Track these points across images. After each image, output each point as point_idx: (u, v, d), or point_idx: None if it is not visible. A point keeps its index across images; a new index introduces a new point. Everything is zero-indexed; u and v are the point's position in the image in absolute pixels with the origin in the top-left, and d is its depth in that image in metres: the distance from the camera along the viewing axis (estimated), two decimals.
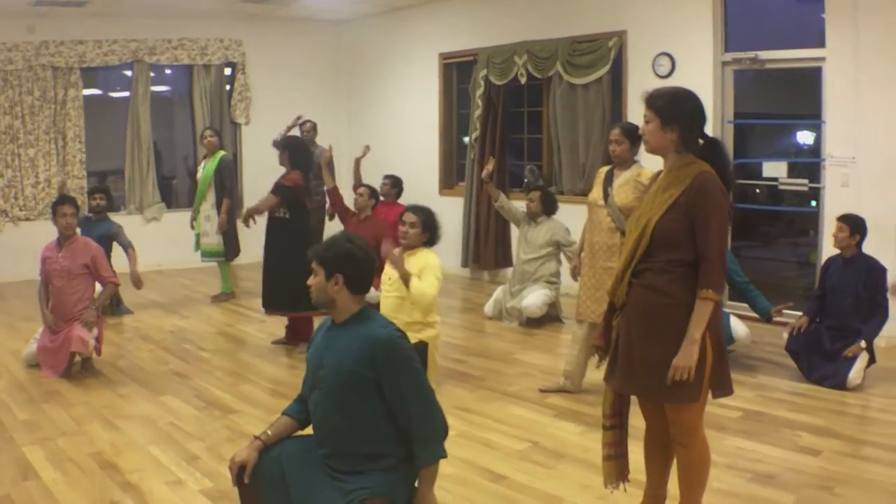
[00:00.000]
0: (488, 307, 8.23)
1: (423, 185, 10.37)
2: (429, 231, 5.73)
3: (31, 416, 5.40)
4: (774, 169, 7.94)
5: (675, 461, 3.49)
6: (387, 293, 5.70)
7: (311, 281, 3.23)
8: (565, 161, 9.44)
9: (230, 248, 9.10)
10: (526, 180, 10.02)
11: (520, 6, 9.85)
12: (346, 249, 3.19)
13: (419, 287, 5.42)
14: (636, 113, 8.30)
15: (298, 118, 9.55)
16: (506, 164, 10.08)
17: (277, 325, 7.55)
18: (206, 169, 8.95)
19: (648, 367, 3.28)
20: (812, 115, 7.67)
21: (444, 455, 3.13)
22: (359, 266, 3.21)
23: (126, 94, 11.43)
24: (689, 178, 3.23)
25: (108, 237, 7.96)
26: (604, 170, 5.67)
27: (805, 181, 7.68)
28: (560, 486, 4.25)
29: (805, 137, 8.26)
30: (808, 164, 7.82)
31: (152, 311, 8.75)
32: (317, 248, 3.25)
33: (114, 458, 4.68)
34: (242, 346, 7.37)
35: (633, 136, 5.43)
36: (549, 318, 7.92)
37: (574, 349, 5.77)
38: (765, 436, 4.94)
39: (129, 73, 11.37)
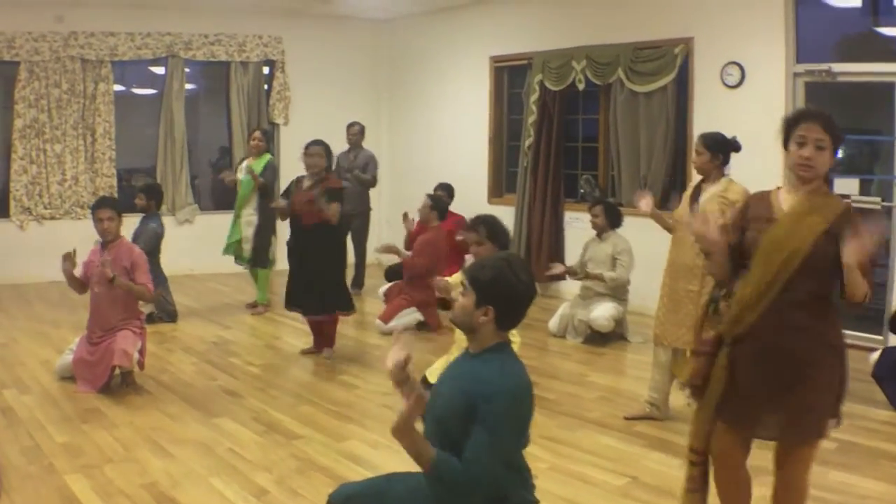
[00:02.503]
0: (553, 323, 7.76)
1: (470, 193, 9.94)
2: (498, 240, 5.22)
3: (71, 439, 4.92)
4: (846, 186, 7.51)
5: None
6: None
7: (459, 300, 2.82)
8: (625, 172, 8.98)
9: (264, 256, 8.62)
10: (582, 191, 9.58)
11: (578, 10, 9.39)
12: (507, 281, 2.76)
13: None
14: (702, 123, 8.03)
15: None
16: (561, 173, 9.61)
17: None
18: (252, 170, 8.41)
19: (803, 411, 3.03)
20: (887, 132, 7.25)
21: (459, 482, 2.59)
22: (516, 302, 2.80)
23: (151, 91, 11.04)
24: (839, 207, 3.03)
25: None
26: (692, 184, 5.31)
27: (878, 199, 7.24)
28: None
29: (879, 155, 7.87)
30: (882, 182, 7.42)
31: (190, 319, 8.29)
32: (474, 269, 2.84)
33: (171, 490, 4.22)
34: (293, 361, 6.90)
35: (715, 146, 5.09)
36: (615, 335, 7.51)
37: (656, 374, 5.40)
38: (866, 469, 4.60)
39: (155, 69, 10.98)
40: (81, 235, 8.12)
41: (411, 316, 7.84)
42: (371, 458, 4.72)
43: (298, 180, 6.75)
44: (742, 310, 3.05)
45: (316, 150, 6.64)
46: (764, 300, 3.00)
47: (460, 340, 5.51)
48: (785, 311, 2.98)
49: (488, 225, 5.25)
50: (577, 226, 9.19)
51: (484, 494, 2.61)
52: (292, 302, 6.81)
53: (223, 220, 9.08)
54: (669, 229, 5.42)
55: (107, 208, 5.94)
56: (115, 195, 9.94)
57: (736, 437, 3.21)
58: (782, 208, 3.09)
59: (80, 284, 6.07)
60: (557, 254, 9.49)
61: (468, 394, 2.67)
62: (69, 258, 5.80)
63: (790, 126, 3.07)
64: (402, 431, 2.56)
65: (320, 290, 6.62)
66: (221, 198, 11.06)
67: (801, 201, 3.05)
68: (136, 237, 7.52)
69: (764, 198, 3.18)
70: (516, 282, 2.77)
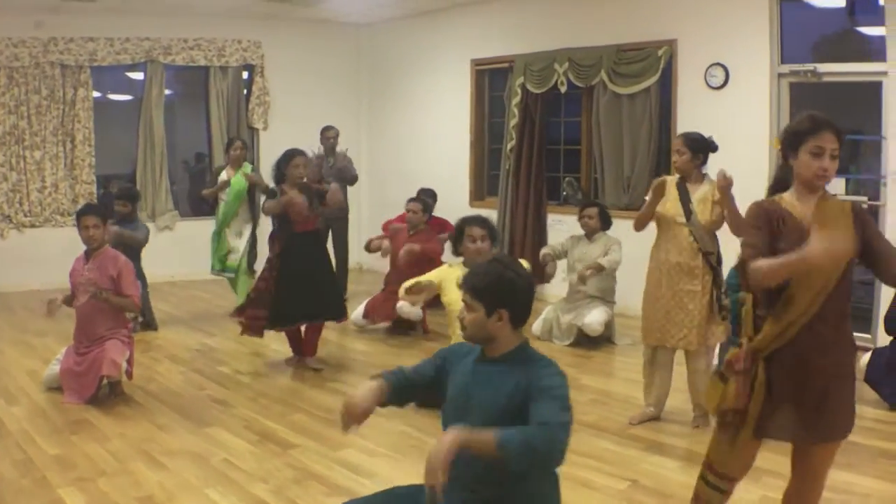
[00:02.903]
0: (536, 326, 7.71)
1: (452, 197, 9.92)
2: (495, 239, 5.46)
3: (63, 451, 4.83)
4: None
5: None
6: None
7: (467, 317, 2.76)
8: (608, 174, 8.98)
9: (252, 259, 8.56)
10: (564, 193, 9.58)
11: (559, 12, 9.38)
12: (509, 280, 2.74)
13: None
14: (686, 124, 8.00)
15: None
16: (543, 176, 9.60)
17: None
18: (235, 183, 8.32)
19: (836, 408, 3.04)
20: (871, 131, 7.31)
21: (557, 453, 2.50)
22: (523, 297, 2.77)
23: (129, 97, 10.92)
24: (849, 209, 3.04)
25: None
26: (670, 180, 5.25)
27: (864, 199, 7.28)
28: None
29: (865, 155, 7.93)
30: (867, 181, 7.51)
31: (174, 326, 8.21)
32: (470, 280, 2.78)
33: (167, 503, 4.15)
34: (280, 368, 6.81)
35: (695, 146, 5.12)
36: (602, 337, 7.48)
37: (658, 376, 5.38)
38: (865, 467, 4.62)
39: (133, 75, 10.89)
40: (62, 243, 8.05)
41: (413, 309, 7.77)
42: (368, 467, 4.67)
43: (282, 191, 6.56)
44: (789, 325, 2.97)
45: (303, 159, 6.62)
46: (811, 311, 2.94)
47: (456, 341, 5.51)
48: (828, 321, 2.96)
49: (489, 224, 5.43)
50: (560, 228, 9.17)
51: (559, 459, 2.50)
52: (288, 320, 6.58)
53: (202, 226, 9.01)
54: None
55: (92, 215, 5.84)
56: (95, 202, 9.84)
57: (756, 448, 3.16)
58: (807, 217, 3.00)
59: (68, 300, 6.05)
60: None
61: (519, 388, 2.64)
62: (53, 307, 5.91)
63: (804, 135, 2.99)
64: (449, 452, 2.44)
65: (320, 296, 6.54)
66: (199, 204, 10.99)
67: (821, 208, 3.01)
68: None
69: (777, 208, 3.06)
70: (516, 277, 2.75)
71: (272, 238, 6.76)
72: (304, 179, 6.62)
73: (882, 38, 7.02)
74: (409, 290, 5.54)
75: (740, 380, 3.04)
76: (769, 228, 2.99)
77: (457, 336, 5.54)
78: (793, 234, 2.95)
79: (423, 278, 5.64)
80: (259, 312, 6.52)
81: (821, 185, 3.02)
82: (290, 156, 6.58)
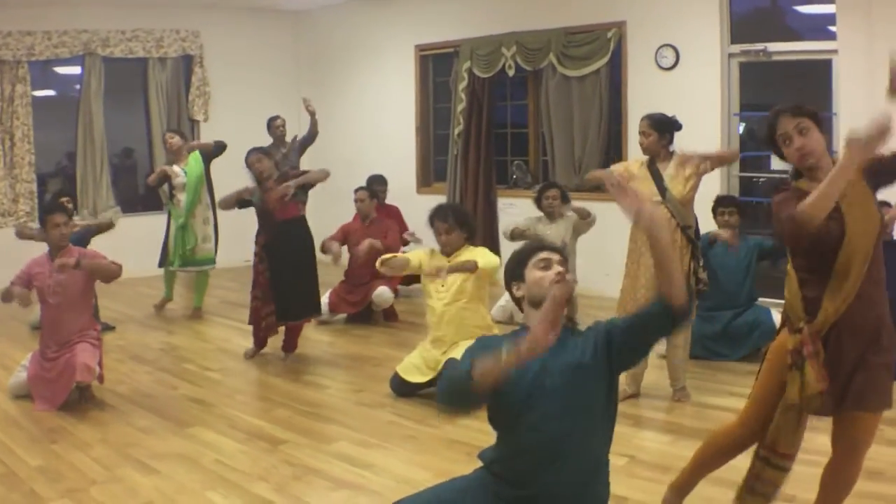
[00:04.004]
0: (496, 311, 7.68)
1: (399, 184, 9.85)
2: (466, 227, 5.53)
3: (45, 462, 4.64)
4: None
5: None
6: (448, 304, 5.44)
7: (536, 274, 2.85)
8: (559, 156, 9.04)
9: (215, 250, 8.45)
10: (514, 177, 9.62)
11: None
12: None
13: (485, 256, 5.37)
14: (637, 105, 8.17)
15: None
16: (492, 160, 9.63)
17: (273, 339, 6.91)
18: (191, 170, 8.14)
19: (876, 375, 3.08)
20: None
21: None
22: None
23: (60, 92, 10.67)
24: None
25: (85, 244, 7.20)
26: (637, 162, 5.43)
27: None
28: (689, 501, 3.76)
29: None
30: None
31: (129, 325, 8.02)
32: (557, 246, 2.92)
33: None
34: (250, 364, 6.71)
35: (660, 126, 5.29)
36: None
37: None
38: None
39: (67, 69, 10.61)
40: (3, 244, 7.78)
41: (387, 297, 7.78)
42: (364, 458, 4.65)
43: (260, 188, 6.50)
44: (846, 297, 3.02)
45: (256, 156, 6.49)
46: (860, 279, 3.01)
47: (435, 333, 5.52)
48: (871, 285, 3.04)
49: (455, 213, 5.53)
50: (512, 211, 9.19)
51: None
52: (289, 315, 6.51)
53: (146, 221, 8.76)
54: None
55: (61, 213, 5.67)
56: (35, 201, 9.60)
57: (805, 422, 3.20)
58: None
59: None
60: (492, 239, 9.40)
61: (585, 351, 2.74)
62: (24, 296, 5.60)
63: (772, 129, 3.12)
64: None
65: (305, 291, 6.47)
66: (134, 200, 10.90)
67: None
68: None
69: (802, 193, 3.04)
70: None
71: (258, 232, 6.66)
72: (268, 174, 6.47)
73: (824, 16, 7.23)
74: (384, 262, 5.51)
75: (815, 363, 3.06)
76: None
77: (434, 324, 5.55)
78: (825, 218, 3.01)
79: (402, 256, 5.68)
80: (268, 308, 6.47)
81: (808, 162, 3.09)
82: (246, 157, 6.52)
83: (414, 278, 7.41)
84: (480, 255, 5.39)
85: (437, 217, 5.48)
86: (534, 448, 2.71)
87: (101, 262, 5.66)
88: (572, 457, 2.69)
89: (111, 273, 5.72)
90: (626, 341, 2.72)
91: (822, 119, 3.18)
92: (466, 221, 5.56)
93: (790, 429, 3.15)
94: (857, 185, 3.04)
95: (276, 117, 9.27)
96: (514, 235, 7.29)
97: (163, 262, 8.41)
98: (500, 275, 3.18)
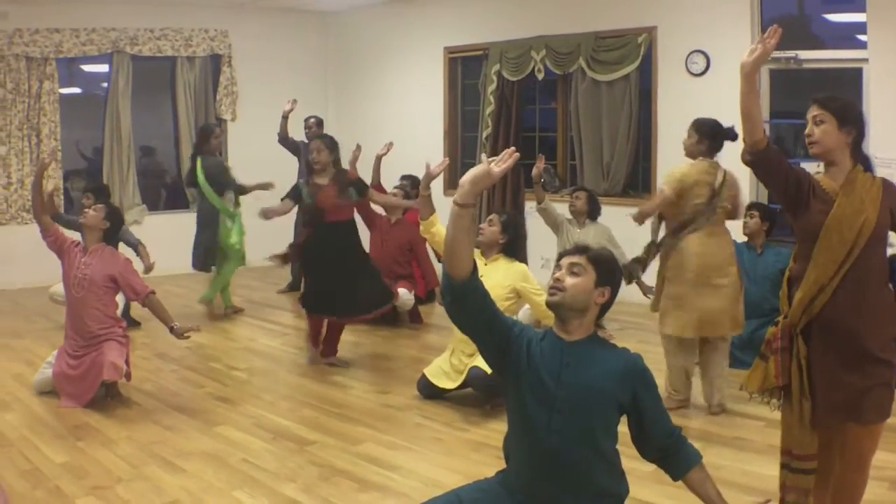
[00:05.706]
0: (523, 314, 7.63)
1: None
2: (507, 232, 5.52)
3: (71, 458, 4.63)
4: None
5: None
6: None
7: (571, 280, 2.77)
8: (587, 161, 9.00)
9: None
10: (542, 180, 9.55)
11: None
12: (619, 271, 2.89)
13: (540, 298, 5.20)
14: (666, 111, 8.11)
15: (293, 102, 8.82)
16: (519, 163, 9.52)
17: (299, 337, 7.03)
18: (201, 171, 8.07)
19: (876, 386, 3.07)
20: None
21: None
22: (616, 291, 2.84)
23: (93, 90, 10.64)
24: (879, 182, 3.13)
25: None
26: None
27: None
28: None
29: None
30: None
31: (155, 323, 7.84)
32: (588, 249, 2.85)
33: None
34: (277, 363, 6.72)
35: (701, 130, 5.27)
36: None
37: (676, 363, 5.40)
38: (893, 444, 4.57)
39: (96, 67, 10.61)
40: (30, 241, 7.79)
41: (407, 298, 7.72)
42: (391, 460, 4.63)
43: (308, 182, 6.35)
44: (817, 290, 3.05)
45: (316, 144, 6.33)
46: (834, 281, 3.02)
47: (456, 341, 5.47)
48: (853, 288, 3.03)
49: (510, 216, 5.70)
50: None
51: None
52: (322, 308, 6.37)
53: (171, 220, 8.76)
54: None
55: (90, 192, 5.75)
56: (62, 199, 9.62)
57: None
58: (835, 190, 3.11)
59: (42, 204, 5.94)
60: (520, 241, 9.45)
61: (610, 378, 2.75)
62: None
63: None
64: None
65: (364, 287, 6.29)
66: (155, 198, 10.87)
67: (849, 181, 3.11)
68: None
69: (815, 181, 3.19)
70: (620, 272, 2.89)
71: (300, 226, 6.57)
72: (321, 167, 6.28)
73: (853, 24, 7.16)
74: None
75: (778, 359, 3.13)
76: (807, 181, 3.12)
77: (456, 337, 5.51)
78: (818, 204, 3.08)
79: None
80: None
81: (813, 151, 3.15)
82: (309, 140, 6.71)
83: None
84: (529, 285, 5.44)
85: (494, 209, 5.53)
86: (532, 455, 2.80)
87: (162, 311, 5.71)
88: (568, 476, 2.77)
89: (167, 316, 5.71)
90: (639, 425, 2.90)
91: (853, 119, 3.15)
92: (513, 228, 5.58)
93: (796, 428, 3.16)
94: (865, 182, 3.10)
95: (311, 117, 9.26)
96: (542, 209, 7.25)
97: (206, 264, 8.36)
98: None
